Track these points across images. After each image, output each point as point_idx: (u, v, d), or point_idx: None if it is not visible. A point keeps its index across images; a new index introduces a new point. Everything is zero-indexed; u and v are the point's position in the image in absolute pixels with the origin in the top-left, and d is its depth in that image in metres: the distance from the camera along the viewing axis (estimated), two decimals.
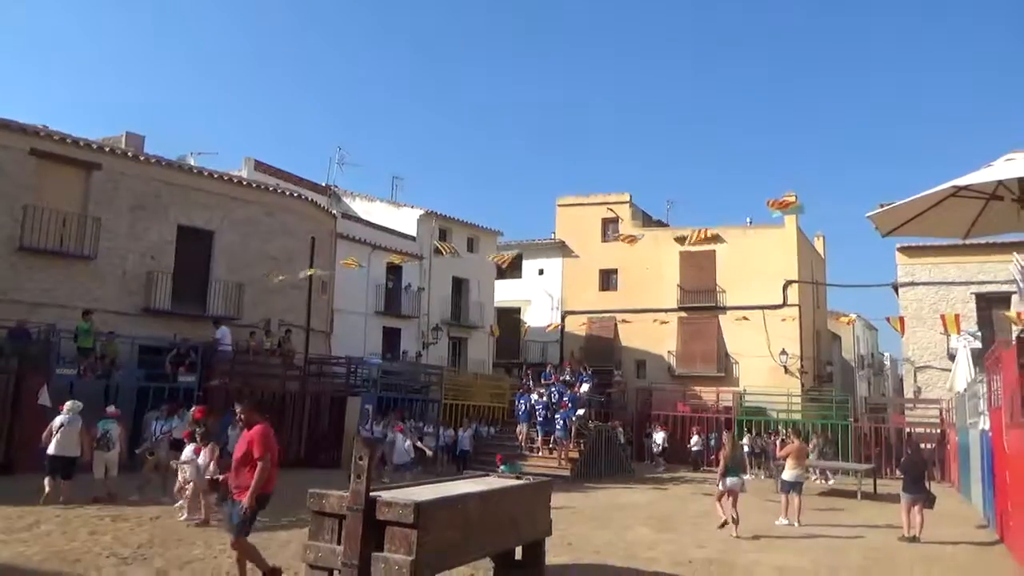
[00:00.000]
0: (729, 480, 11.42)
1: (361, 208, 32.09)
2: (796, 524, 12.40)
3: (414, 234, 30.48)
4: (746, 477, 12.10)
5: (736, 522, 11.18)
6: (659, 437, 25.96)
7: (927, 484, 11.98)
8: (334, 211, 26.89)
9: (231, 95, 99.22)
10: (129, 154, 19.86)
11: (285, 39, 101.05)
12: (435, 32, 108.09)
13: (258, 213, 22.19)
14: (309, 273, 20.29)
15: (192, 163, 23.83)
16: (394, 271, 28.30)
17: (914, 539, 11.26)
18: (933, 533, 11.58)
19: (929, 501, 11.53)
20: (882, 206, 9.80)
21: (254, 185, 22.75)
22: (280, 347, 20.85)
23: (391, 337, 28.77)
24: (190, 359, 18.24)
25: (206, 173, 21.59)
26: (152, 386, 16.96)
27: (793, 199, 11.59)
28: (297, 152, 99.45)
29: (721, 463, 11.94)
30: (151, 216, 19.72)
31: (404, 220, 31.00)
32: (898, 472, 14.42)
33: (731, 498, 11.35)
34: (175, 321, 19.54)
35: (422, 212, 31.06)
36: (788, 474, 12.96)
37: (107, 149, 19.35)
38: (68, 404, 11.62)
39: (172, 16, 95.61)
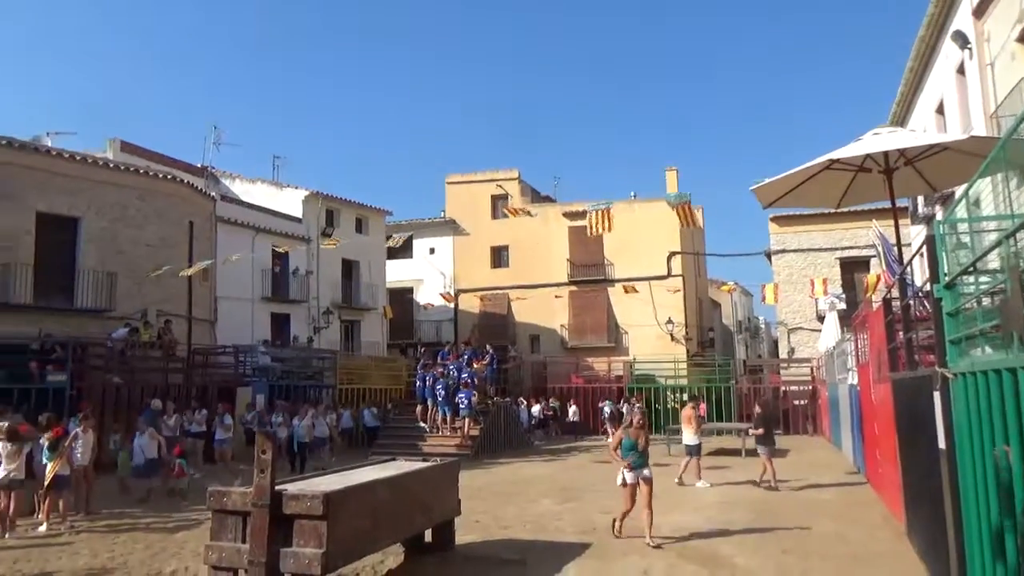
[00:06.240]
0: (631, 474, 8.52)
1: (241, 190, 30.64)
2: (696, 484, 13.01)
3: (299, 215, 29.46)
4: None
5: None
6: (535, 409, 25.96)
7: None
8: (212, 193, 25.51)
9: (87, 71, 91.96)
10: None
11: (143, 8, 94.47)
12: (308, 4, 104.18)
13: (128, 197, 20.73)
14: (192, 271, 19.14)
15: (49, 144, 21.93)
16: (280, 255, 27.30)
17: (759, 484, 12.67)
18: (812, 481, 12.52)
19: (776, 451, 13.24)
20: (757, 182, 10.37)
21: (122, 167, 21.20)
22: (160, 339, 19.69)
23: (280, 323, 27.81)
24: (56, 355, 16.90)
25: (66, 155, 19.91)
26: (16, 387, 15.61)
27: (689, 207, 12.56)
28: (167, 133, 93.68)
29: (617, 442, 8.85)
30: (5, 203, 17.99)
31: (288, 201, 29.87)
32: (755, 428, 14.09)
33: (632, 494, 8.52)
34: (39, 316, 18.04)
35: (307, 193, 30.03)
36: (689, 438, 13.59)
37: None
38: None
39: None
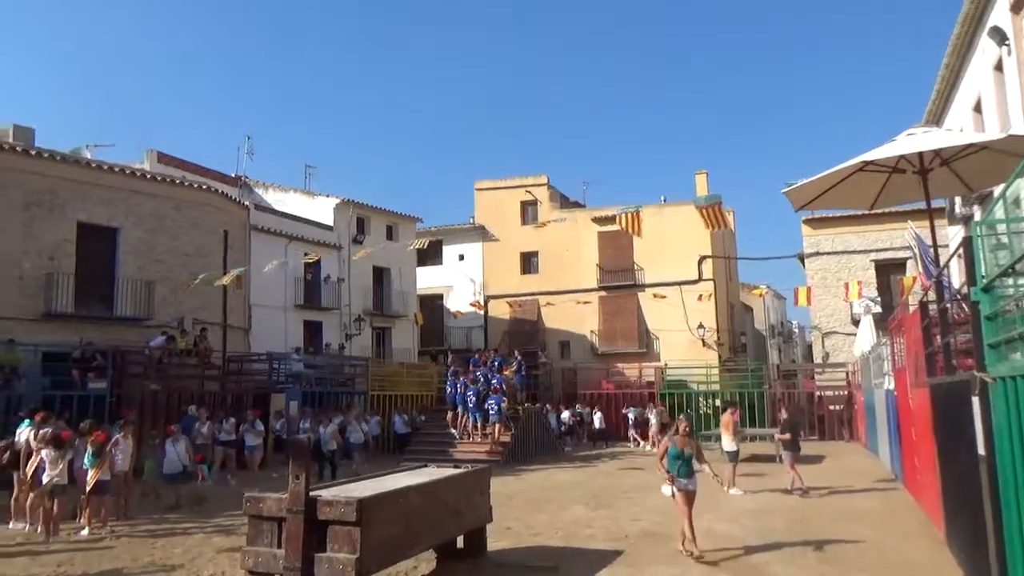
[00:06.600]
0: (680, 482, 8.23)
1: (274, 199, 31.10)
2: (730, 491, 12.86)
3: (331, 223, 29.81)
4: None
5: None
6: (565, 415, 25.79)
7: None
8: (246, 202, 25.94)
9: (128, 84, 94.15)
10: (19, 148, 18.55)
11: (179, 22, 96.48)
12: (339, 14, 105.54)
13: (165, 207, 21.18)
14: (227, 280, 19.44)
15: (88, 156, 22.49)
16: (312, 263, 27.63)
17: (791, 491, 12.62)
18: (849, 488, 12.32)
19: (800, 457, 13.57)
20: (787, 184, 10.27)
21: (159, 178, 21.67)
22: (196, 346, 20.07)
23: (312, 330, 28.12)
24: (96, 363, 17.32)
25: (105, 167, 20.42)
26: (59, 394, 16.02)
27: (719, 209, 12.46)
28: (203, 143, 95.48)
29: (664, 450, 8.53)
30: (47, 214, 18.52)
31: (320, 209, 30.23)
32: (781, 433, 14.22)
33: (688, 504, 8.24)
34: (80, 324, 18.48)
35: (338, 200, 30.36)
36: (729, 445, 13.49)
37: None
38: None
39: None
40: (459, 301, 35.05)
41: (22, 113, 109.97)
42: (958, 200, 19.47)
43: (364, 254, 23.92)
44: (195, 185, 22.56)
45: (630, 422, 25.63)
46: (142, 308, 19.88)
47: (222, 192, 23.78)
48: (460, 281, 36.33)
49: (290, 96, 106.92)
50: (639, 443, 24.59)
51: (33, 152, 18.83)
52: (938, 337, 7.92)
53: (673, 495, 8.24)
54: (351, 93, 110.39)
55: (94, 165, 20.37)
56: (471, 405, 19.79)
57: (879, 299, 25.62)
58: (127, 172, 20.81)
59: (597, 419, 26.16)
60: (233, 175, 30.34)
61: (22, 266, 17.92)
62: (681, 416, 8.96)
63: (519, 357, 23.08)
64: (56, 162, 19.04)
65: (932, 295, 8.81)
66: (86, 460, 10.49)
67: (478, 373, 20.80)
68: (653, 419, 24.12)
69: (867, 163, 8.63)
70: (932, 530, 9.04)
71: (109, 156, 23.55)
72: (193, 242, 21.66)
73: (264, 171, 65.12)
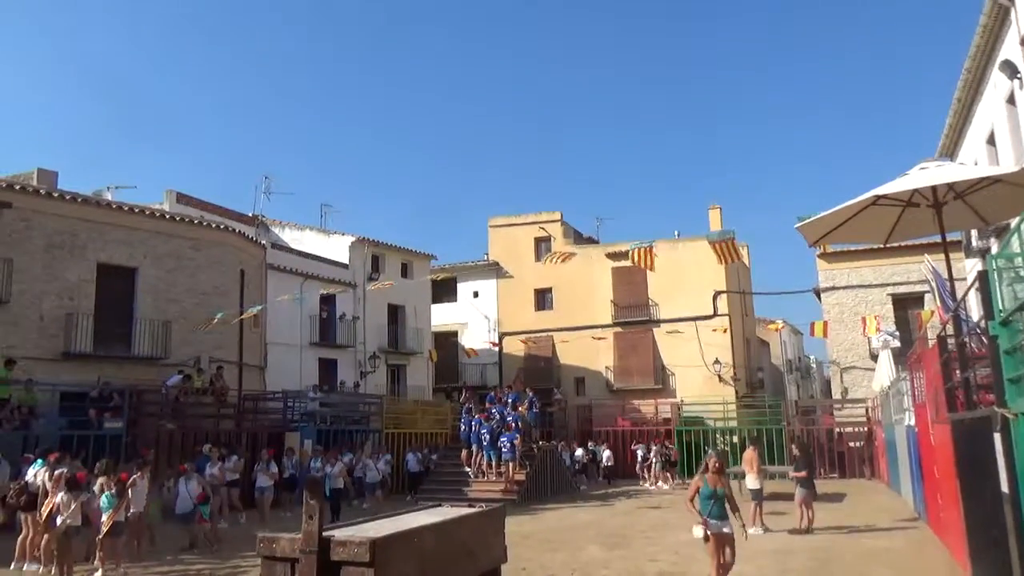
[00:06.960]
0: (713, 523, 7.60)
1: (291, 237, 31.48)
2: (750, 530, 12.57)
3: (346, 261, 30.06)
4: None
5: None
6: (579, 453, 25.46)
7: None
8: (263, 242, 26.28)
9: (148, 126, 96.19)
10: (42, 191, 18.96)
11: (198, 64, 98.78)
12: (353, 52, 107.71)
13: (183, 247, 21.49)
14: (243, 317, 19.60)
15: (110, 198, 22.94)
16: (328, 300, 27.80)
17: (809, 531, 12.45)
18: (871, 527, 12.05)
19: (815, 494, 13.37)
20: (800, 219, 10.25)
21: (177, 218, 22.03)
22: (212, 385, 20.14)
23: (327, 368, 28.18)
24: (114, 403, 17.40)
25: (125, 208, 20.82)
26: (76, 434, 16.09)
27: (732, 244, 12.42)
28: (221, 182, 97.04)
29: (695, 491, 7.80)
30: (68, 255, 18.86)
31: (335, 248, 30.55)
32: (796, 471, 13.69)
33: (720, 549, 7.63)
34: (99, 364, 18.65)
35: (354, 239, 30.66)
36: (753, 483, 13.27)
37: (17, 187, 18.43)
38: None
39: (70, 43, 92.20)
40: (474, 338, 35.02)
41: (46, 152, 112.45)
42: (974, 233, 19.33)
43: (379, 287, 24.02)
44: (213, 225, 22.90)
45: (639, 458, 25.31)
46: (159, 347, 20.06)
47: (239, 231, 24.10)
48: (475, 318, 36.38)
49: (308, 138, 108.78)
50: (646, 480, 24.28)
51: (56, 195, 19.24)
52: (957, 372, 7.81)
53: (706, 538, 7.54)
54: (367, 135, 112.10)
55: (114, 206, 20.77)
56: (485, 443, 19.65)
57: (897, 333, 25.27)
58: (146, 213, 21.19)
59: (606, 456, 25.88)
60: (250, 214, 30.79)
61: (42, 306, 18.19)
62: (711, 451, 8.60)
63: (531, 394, 22.96)
64: (77, 204, 19.43)
65: (950, 329, 8.72)
66: (103, 501, 10.41)
67: (493, 410, 20.69)
68: (652, 457, 23.91)
69: (880, 197, 8.62)
70: (957, 570, 8.81)
71: (130, 197, 24.02)
72: (211, 281, 21.90)
73: (282, 211, 65.99)
